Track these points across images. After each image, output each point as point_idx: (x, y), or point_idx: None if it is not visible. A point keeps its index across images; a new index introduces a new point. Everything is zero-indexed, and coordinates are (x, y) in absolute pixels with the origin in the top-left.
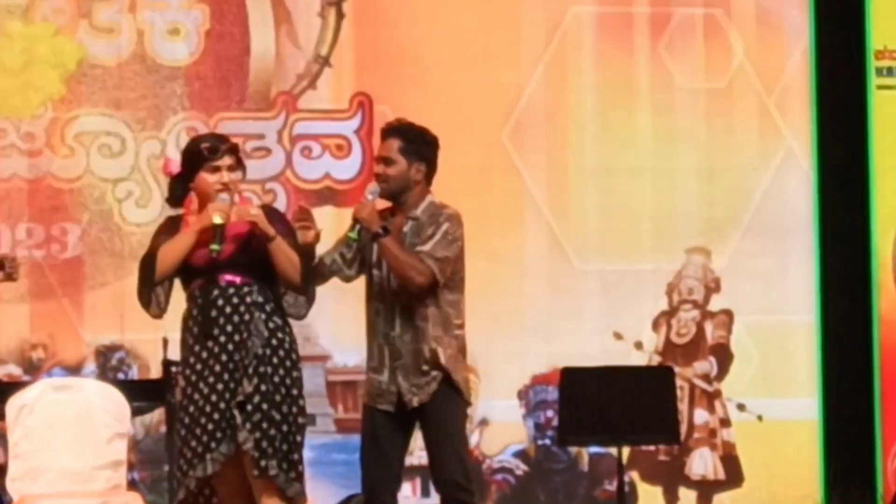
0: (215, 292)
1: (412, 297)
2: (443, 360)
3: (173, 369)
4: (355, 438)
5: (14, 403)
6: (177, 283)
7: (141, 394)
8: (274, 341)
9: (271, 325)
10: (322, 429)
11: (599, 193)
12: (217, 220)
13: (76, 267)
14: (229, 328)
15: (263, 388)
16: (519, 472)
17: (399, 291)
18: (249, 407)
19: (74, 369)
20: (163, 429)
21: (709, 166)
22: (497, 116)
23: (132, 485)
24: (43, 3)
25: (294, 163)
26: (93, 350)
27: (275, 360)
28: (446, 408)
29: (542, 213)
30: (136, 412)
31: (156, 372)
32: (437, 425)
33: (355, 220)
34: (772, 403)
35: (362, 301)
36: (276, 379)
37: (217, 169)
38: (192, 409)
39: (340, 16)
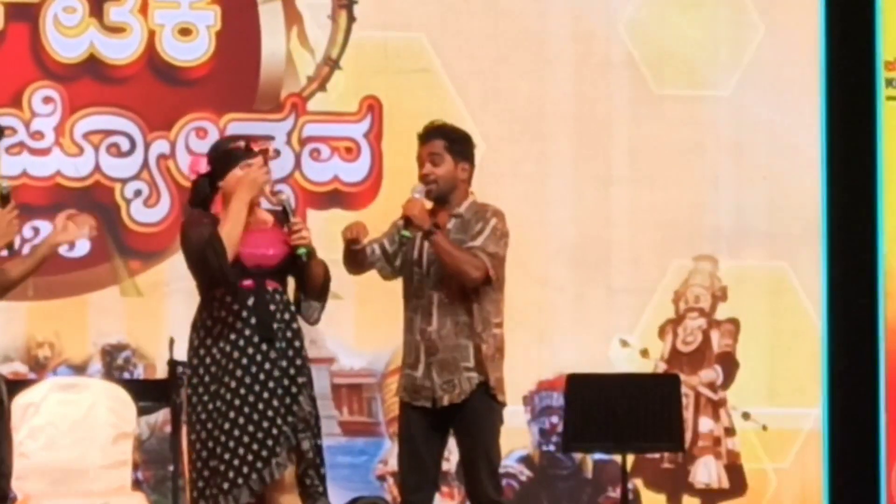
0: (267, 296)
1: (453, 293)
2: (484, 357)
3: (179, 369)
4: (360, 441)
5: (20, 402)
6: (188, 284)
7: (146, 394)
8: (306, 352)
9: (303, 336)
10: (327, 431)
11: (606, 201)
12: (303, 251)
13: (83, 265)
14: (290, 334)
15: (312, 396)
16: (523, 478)
17: (438, 287)
18: (307, 416)
19: (80, 368)
20: (168, 429)
21: (716, 174)
22: (509, 123)
23: (136, 484)
24: (54, 2)
25: (303, 165)
26: (99, 349)
27: (308, 371)
28: (482, 416)
29: (550, 219)
30: (141, 412)
31: (161, 372)
32: (473, 435)
33: (406, 218)
34: (777, 413)
35: (366, 304)
36: (313, 391)
37: (249, 167)
38: (247, 409)
39: (351, 18)
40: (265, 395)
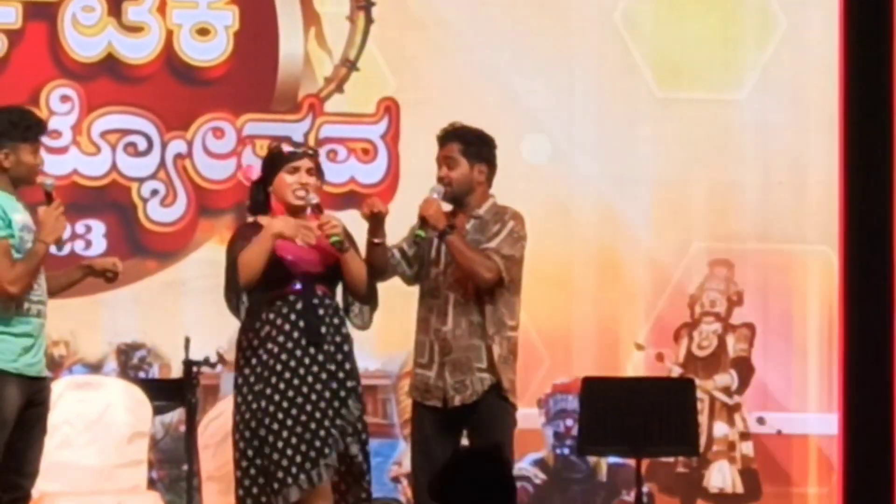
0: (315, 301)
1: (469, 295)
2: (496, 358)
3: (195, 369)
4: (375, 443)
5: None
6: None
7: (161, 393)
8: (355, 359)
9: (352, 341)
10: None
11: (622, 203)
12: (336, 239)
13: None
14: (338, 339)
15: (360, 406)
16: (537, 481)
17: (453, 287)
18: (356, 420)
19: (96, 367)
20: (182, 428)
21: (732, 179)
22: (525, 122)
23: (151, 484)
24: (73, 1)
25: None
26: (114, 348)
27: (357, 376)
28: (495, 417)
29: (562, 220)
30: (156, 411)
31: (177, 371)
32: (485, 436)
33: (422, 218)
34: (792, 418)
35: (381, 305)
36: (359, 395)
37: (296, 170)
38: (294, 411)
39: (369, 20)
40: (313, 396)
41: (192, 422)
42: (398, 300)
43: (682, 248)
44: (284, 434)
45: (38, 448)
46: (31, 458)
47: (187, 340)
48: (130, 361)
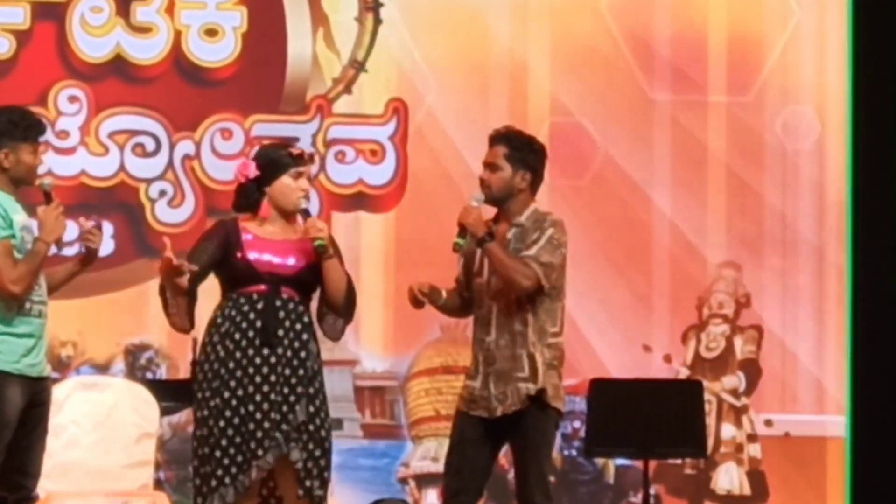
0: (278, 303)
1: (510, 303)
2: (539, 366)
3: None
4: (381, 444)
5: None
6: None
7: (169, 394)
8: (316, 365)
9: (314, 348)
10: (349, 433)
11: (629, 206)
12: (319, 242)
13: (108, 265)
14: (297, 344)
15: (311, 409)
16: None
17: (496, 297)
18: (301, 425)
19: (103, 368)
20: (190, 429)
21: (741, 181)
22: (533, 124)
23: (158, 484)
24: (81, 1)
25: (328, 167)
26: (122, 349)
27: (317, 382)
28: (536, 421)
29: (573, 223)
30: (163, 412)
31: (184, 372)
32: (525, 441)
33: (461, 226)
34: (799, 420)
35: (389, 307)
36: (318, 401)
37: (300, 175)
38: (242, 410)
39: (378, 21)
40: (258, 398)
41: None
42: (405, 302)
43: (689, 250)
44: (229, 432)
45: (41, 448)
46: (34, 458)
47: (194, 341)
48: (138, 362)
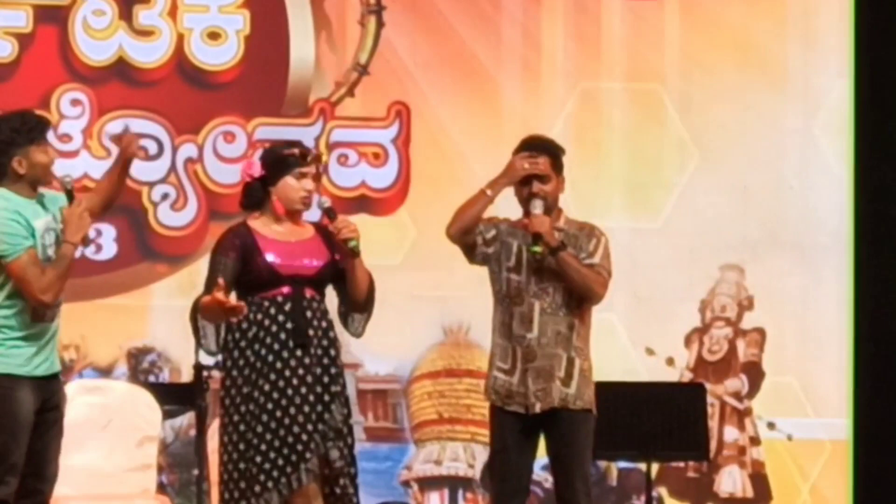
0: (304, 303)
1: (557, 305)
2: (577, 371)
3: (205, 373)
4: (384, 447)
5: None
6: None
7: (171, 397)
8: (341, 362)
9: (339, 345)
10: None
11: (633, 208)
12: (354, 243)
13: (111, 268)
14: (325, 342)
15: (346, 410)
16: (547, 485)
17: (538, 297)
18: (339, 425)
19: (106, 371)
20: (192, 432)
21: (744, 184)
22: (537, 128)
23: (161, 488)
24: (83, 4)
25: (331, 170)
26: (124, 352)
27: (342, 380)
28: (575, 424)
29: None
30: (166, 415)
31: (187, 375)
32: (566, 442)
33: (535, 235)
34: (802, 422)
35: (393, 309)
36: (347, 401)
37: (304, 175)
38: (279, 413)
39: (380, 24)
40: (297, 400)
41: (201, 426)
42: (409, 304)
43: (692, 253)
44: (268, 437)
45: (56, 451)
46: (49, 462)
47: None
48: (141, 365)
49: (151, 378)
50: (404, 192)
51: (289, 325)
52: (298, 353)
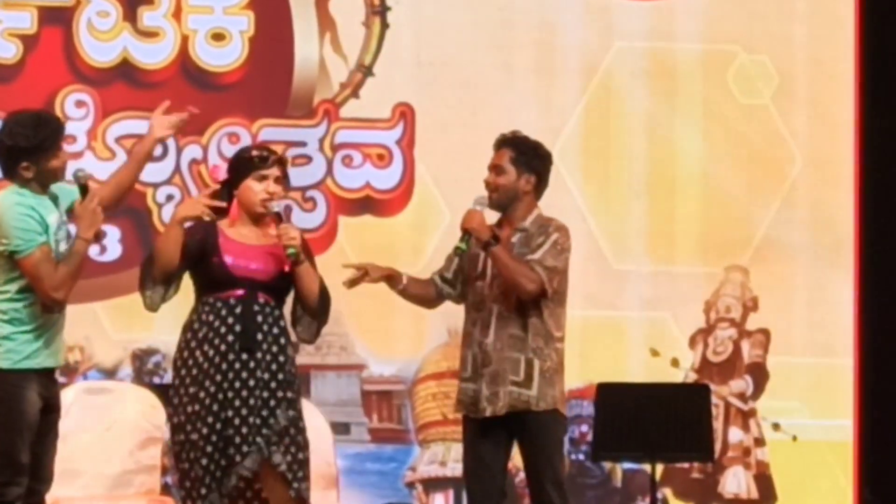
0: (255, 308)
1: (512, 308)
2: (537, 372)
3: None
4: (389, 448)
5: None
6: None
7: None
8: (294, 369)
9: (291, 352)
10: (356, 438)
11: (637, 210)
12: (292, 251)
13: (115, 269)
14: (275, 348)
15: (292, 413)
16: None
17: (498, 300)
18: (283, 430)
19: (110, 372)
20: None
21: (749, 183)
22: (543, 129)
23: (165, 489)
24: (87, 6)
25: (335, 171)
26: (129, 353)
27: (294, 387)
28: (541, 426)
29: (583, 227)
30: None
31: None
32: (533, 445)
33: (464, 230)
34: (807, 424)
35: (396, 311)
36: (298, 406)
37: (264, 178)
38: (223, 415)
39: (385, 25)
40: (237, 403)
41: None
42: (413, 307)
43: (696, 254)
44: (213, 438)
45: (53, 453)
46: (47, 463)
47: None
48: (145, 367)
49: (156, 379)
50: (408, 194)
51: (237, 328)
52: (244, 356)
